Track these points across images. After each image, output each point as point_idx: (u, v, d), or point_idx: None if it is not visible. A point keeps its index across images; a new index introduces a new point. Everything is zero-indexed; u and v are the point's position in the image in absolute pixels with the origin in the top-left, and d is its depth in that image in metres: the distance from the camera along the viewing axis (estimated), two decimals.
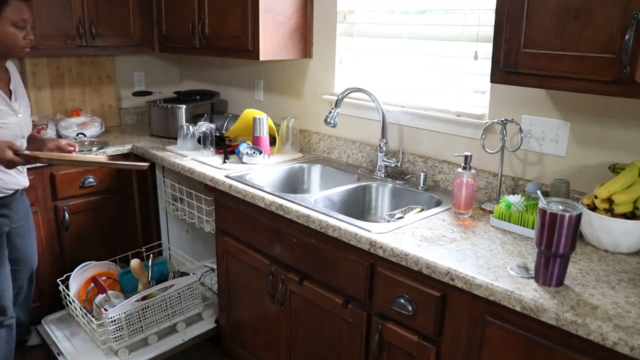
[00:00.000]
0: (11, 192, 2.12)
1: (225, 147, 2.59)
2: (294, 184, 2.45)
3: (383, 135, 2.24)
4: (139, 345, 2.44)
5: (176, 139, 2.78)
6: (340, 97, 2.24)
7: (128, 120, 3.45)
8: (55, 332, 2.57)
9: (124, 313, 2.37)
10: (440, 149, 2.17)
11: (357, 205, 2.18)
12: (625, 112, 1.66)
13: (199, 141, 2.63)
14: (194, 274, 2.63)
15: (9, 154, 1.89)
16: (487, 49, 1.93)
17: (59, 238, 2.73)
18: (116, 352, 2.38)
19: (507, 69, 1.56)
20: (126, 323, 2.38)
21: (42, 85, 3.04)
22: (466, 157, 1.84)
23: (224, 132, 2.84)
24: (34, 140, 2.20)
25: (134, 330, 2.43)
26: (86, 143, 2.81)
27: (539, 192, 1.38)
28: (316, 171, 2.50)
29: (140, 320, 2.42)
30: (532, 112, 1.88)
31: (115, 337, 2.37)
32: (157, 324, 2.47)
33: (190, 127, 2.69)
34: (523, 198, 1.71)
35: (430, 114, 2.17)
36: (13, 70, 2.15)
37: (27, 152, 1.98)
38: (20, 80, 2.18)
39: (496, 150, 1.89)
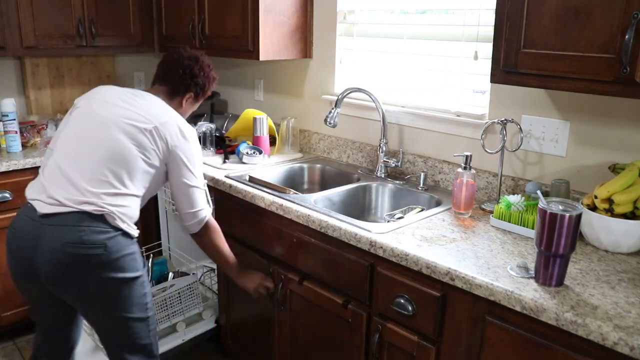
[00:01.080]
0: None
1: (225, 147, 2.59)
2: (294, 184, 2.45)
3: (383, 135, 2.24)
4: None
5: None
6: (340, 97, 2.24)
7: None
8: None
9: None
10: (440, 149, 2.17)
11: (357, 205, 2.18)
12: (625, 112, 1.65)
13: (199, 141, 2.63)
14: (194, 274, 2.63)
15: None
16: (487, 49, 1.93)
17: None
18: None
19: (507, 69, 1.56)
20: None
21: (42, 85, 3.04)
22: (466, 157, 1.84)
23: (224, 132, 2.84)
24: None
25: None
26: None
27: (539, 192, 1.38)
28: (316, 171, 2.50)
29: None
30: (532, 112, 1.87)
31: None
32: (156, 324, 2.46)
33: None
34: (523, 198, 1.71)
35: (430, 114, 2.17)
36: None
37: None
38: None
39: (496, 150, 1.89)
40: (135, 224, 1.76)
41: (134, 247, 1.72)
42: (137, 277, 1.71)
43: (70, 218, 1.60)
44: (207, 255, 2.05)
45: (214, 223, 1.94)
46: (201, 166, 1.89)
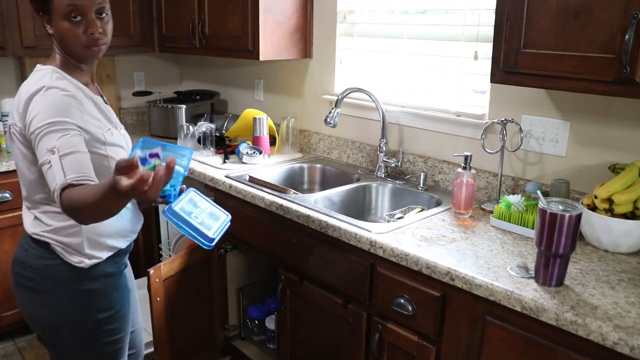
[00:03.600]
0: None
1: (225, 147, 2.59)
2: (294, 184, 2.45)
3: (383, 135, 2.24)
4: None
5: (176, 139, 2.78)
6: (340, 97, 2.24)
7: (128, 120, 3.45)
8: None
9: None
10: (440, 149, 2.17)
11: (357, 205, 2.18)
12: (625, 112, 1.65)
13: (199, 141, 2.63)
14: None
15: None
16: (487, 49, 1.93)
17: None
18: None
19: (507, 69, 1.56)
20: None
21: None
22: (466, 157, 1.84)
23: (224, 132, 2.84)
24: None
25: None
26: None
27: (539, 192, 1.38)
28: (316, 171, 2.50)
29: None
30: (532, 112, 1.87)
31: None
32: None
33: (190, 127, 2.69)
34: (523, 198, 1.71)
35: (430, 114, 2.17)
36: None
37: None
38: None
39: (496, 150, 1.89)
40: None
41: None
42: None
43: None
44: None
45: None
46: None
